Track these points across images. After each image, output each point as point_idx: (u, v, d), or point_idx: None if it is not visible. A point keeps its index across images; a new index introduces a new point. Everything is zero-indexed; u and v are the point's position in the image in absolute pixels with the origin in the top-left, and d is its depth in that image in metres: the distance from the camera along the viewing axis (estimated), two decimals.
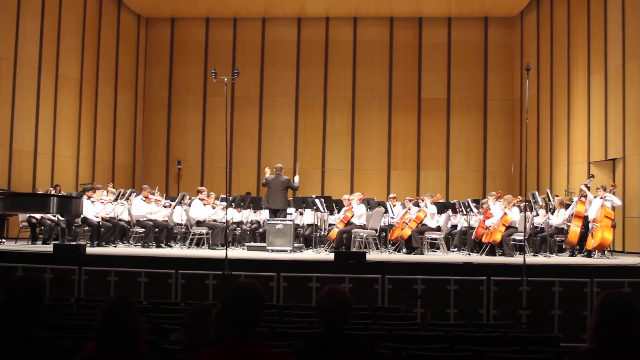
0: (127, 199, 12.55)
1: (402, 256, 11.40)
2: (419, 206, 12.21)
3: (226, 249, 9.06)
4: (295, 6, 17.67)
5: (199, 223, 12.03)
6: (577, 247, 11.23)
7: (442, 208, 12.41)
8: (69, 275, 8.71)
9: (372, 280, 8.52)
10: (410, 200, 12.90)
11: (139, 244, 12.05)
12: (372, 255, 10.91)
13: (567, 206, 11.64)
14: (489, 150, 17.86)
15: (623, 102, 13.17)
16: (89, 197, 11.89)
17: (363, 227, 11.69)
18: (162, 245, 11.84)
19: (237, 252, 11.05)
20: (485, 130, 17.88)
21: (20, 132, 14.27)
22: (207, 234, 11.94)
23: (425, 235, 11.76)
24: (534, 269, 8.58)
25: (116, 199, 12.26)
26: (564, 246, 11.62)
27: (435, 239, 11.95)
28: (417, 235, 11.52)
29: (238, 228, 13.05)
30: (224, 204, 11.80)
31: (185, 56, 18.47)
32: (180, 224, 12.67)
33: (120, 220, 12.14)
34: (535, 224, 11.82)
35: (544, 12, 16.58)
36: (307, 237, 12.76)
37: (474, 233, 11.66)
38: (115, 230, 11.94)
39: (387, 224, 12.56)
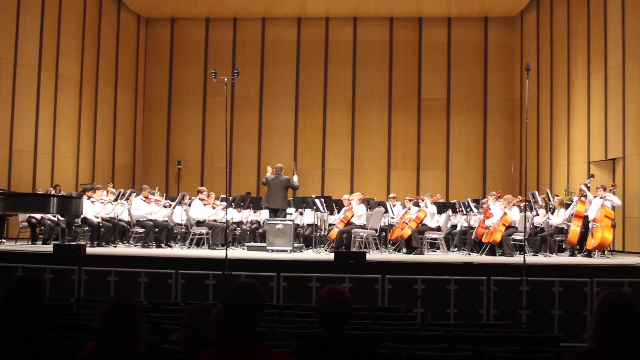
0: (127, 199, 12.55)
1: (402, 256, 11.40)
2: (419, 206, 12.21)
3: (226, 249, 9.06)
4: (295, 6, 17.67)
5: (199, 223, 12.03)
6: (577, 246, 11.23)
7: (442, 208, 12.41)
8: (69, 275, 8.72)
9: (372, 280, 8.52)
10: (410, 200, 12.90)
11: (139, 244, 12.05)
12: (372, 255, 10.91)
13: (567, 206, 11.64)
14: (489, 150, 17.87)
15: (623, 101, 13.17)
16: (89, 197, 11.89)
17: (363, 227, 11.68)
18: (162, 245, 11.84)
19: (237, 252, 11.05)
20: (485, 130, 17.88)
21: (20, 132, 14.27)
22: (207, 234, 11.94)
23: (425, 235, 11.76)
24: (534, 268, 8.58)
25: (116, 199, 12.26)
26: (564, 246, 11.62)
27: (435, 239, 11.95)
28: (417, 235, 11.52)
29: (238, 228, 13.05)
30: (224, 204, 11.80)
31: (185, 56, 18.47)
32: (180, 224, 12.67)
33: (120, 220, 12.14)
34: (535, 224, 11.82)
35: (543, 12, 16.58)
36: (307, 237, 12.76)
37: (474, 233, 11.66)
38: (115, 230, 11.94)
39: (387, 223, 12.56)
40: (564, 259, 10.75)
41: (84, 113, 16.33)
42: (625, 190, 13.01)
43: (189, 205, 12.50)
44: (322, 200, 11.90)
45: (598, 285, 8.28)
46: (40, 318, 2.99)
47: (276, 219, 11.79)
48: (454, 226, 13.28)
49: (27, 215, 11.97)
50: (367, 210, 11.90)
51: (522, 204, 11.12)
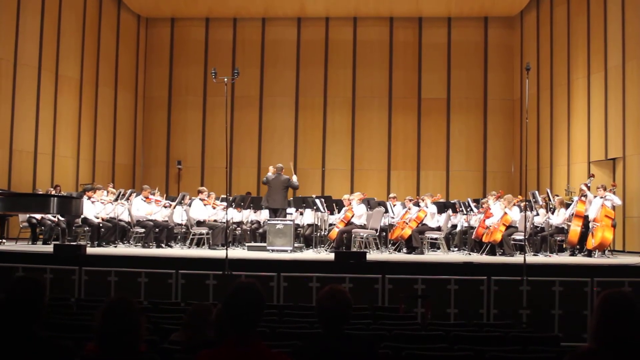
0: (128, 199, 12.56)
1: (402, 256, 11.40)
2: (419, 206, 12.21)
3: (226, 249, 9.07)
4: (295, 6, 17.67)
5: (199, 223, 12.03)
6: (578, 246, 11.23)
7: (442, 208, 12.41)
8: (69, 276, 8.72)
9: (372, 280, 8.52)
10: (410, 200, 12.90)
11: (139, 244, 12.05)
12: (373, 255, 10.91)
13: (567, 206, 11.64)
14: (489, 150, 17.86)
15: (623, 101, 13.17)
16: (89, 198, 11.89)
17: (363, 227, 11.68)
18: (163, 245, 11.84)
19: (237, 252, 11.05)
20: (486, 130, 17.88)
21: (20, 132, 14.27)
22: (207, 234, 11.94)
23: (426, 235, 11.75)
24: (535, 268, 8.58)
25: (116, 199, 12.26)
26: (564, 246, 11.62)
27: (436, 239, 11.94)
28: (417, 235, 11.52)
29: (238, 228, 13.05)
30: (224, 204, 11.80)
31: (185, 56, 18.47)
32: (181, 224, 12.67)
33: (121, 220, 12.14)
34: (535, 224, 11.83)
35: (543, 11, 16.58)
36: (307, 237, 12.76)
37: (474, 233, 11.66)
38: (115, 230, 11.94)
39: (387, 223, 12.56)
40: (564, 258, 10.75)
41: (84, 113, 16.34)
42: (626, 190, 13.01)
43: (189, 205, 12.50)
44: (323, 200, 11.90)
45: (598, 285, 8.28)
46: (40, 318, 2.99)
47: (276, 219, 11.79)
48: (454, 226, 13.28)
49: (28, 215, 11.97)
50: (367, 210, 11.90)
51: (522, 204, 11.12)
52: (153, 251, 11.06)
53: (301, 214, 13.20)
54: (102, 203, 12.03)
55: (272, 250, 11.11)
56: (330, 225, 12.31)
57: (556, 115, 15.84)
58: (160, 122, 18.51)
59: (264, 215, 13.57)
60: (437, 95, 17.89)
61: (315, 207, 11.70)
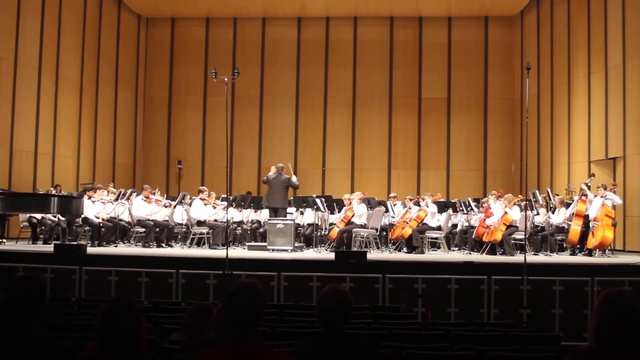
0: (128, 199, 12.56)
1: (402, 255, 11.40)
2: (419, 205, 12.21)
3: (227, 249, 9.07)
4: (295, 6, 17.67)
5: (200, 223, 12.03)
6: (578, 246, 11.23)
7: (442, 207, 12.40)
8: (70, 275, 8.72)
9: (372, 279, 8.52)
10: (410, 200, 12.90)
11: (140, 243, 12.05)
12: (373, 254, 10.91)
13: (567, 205, 11.64)
14: (490, 149, 17.86)
15: (623, 101, 13.17)
16: (89, 197, 11.89)
17: (364, 226, 11.68)
18: (163, 245, 11.84)
19: (237, 252, 11.05)
20: (486, 130, 17.88)
21: (20, 132, 14.27)
22: (207, 233, 11.94)
23: (426, 235, 11.76)
24: (535, 267, 8.59)
25: (117, 199, 12.26)
26: (564, 245, 11.62)
27: (436, 238, 11.95)
28: (417, 234, 11.52)
29: (239, 228, 13.05)
30: (225, 203, 11.81)
31: (185, 56, 18.47)
32: (181, 224, 12.67)
33: (121, 220, 12.15)
34: (535, 223, 11.83)
35: (544, 11, 16.58)
36: (307, 237, 12.76)
37: (474, 232, 11.65)
38: (115, 230, 11.94)
39: (387, 223, 12.57)
40: (564, 258, 10.75)
41: (84, 113, 16.34)
42: (626, 189, 13.01)
43: (190, 205, 12.50)
44: (323, 199, 11.91)
45: (599, 284, 8.28)
46: (40, 318, 2.99)
47: (277, 218, 11.80)
48: (455, 225, 13.28)
49: (28, 215, 11.98)
50: (367, 209, 11.90)
51: (522, 203, 11.12)
52: (153, 251, 11.06)
53: (302, 213, 13.21)
54: (103, 203, 12.04)
55: (273, 250, 11.11)
56: (331, 224, 12.32)
57: (556, 114, 15.84)
58: (160, 121, 18.51)
59: (264, 214, 13.57)
60: (437, 94, 17.89)
61: (315, 207, 11.70)
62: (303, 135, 18.12)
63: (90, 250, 9.98)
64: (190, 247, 11.89)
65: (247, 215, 13.83)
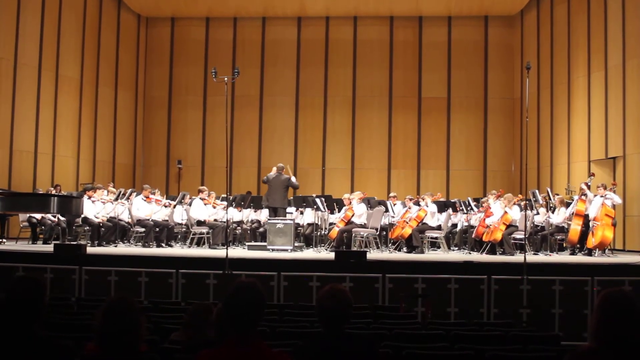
0: (128, 198, 12.56)
1: (402, 255, 11.40)
2: (419, 205, 12.21)
3: (227, 249, 9.07)
4: (295, 6, 17.66)
5: (200, 222, 12.03)
6: (578, 245, 11.22)
7: (442, 207, 12.40)
8: (70, 275, 8.72)
9: (372, 279, 8.52)
10: (410, 199, 12.90)
11: (140, 243, 12.05)
12: (373, 254, 10.91)
13: (567, 205, 11.64)
14: (489, 149, 17.86)
15: (623, 100, 13.17)
16: (89, 197, 11.89)
17: (363, 226, 11.68)
18: (163, 244, 11.84)
19: (237, 252, 11.05)
20: (486, 129, 17.88)
21: (20, 132, 14.27)
22: (207, 233, 11.94)
23: (426, 234, 11.76)
24: (535, 267, 8.58)
25: (116, 199, 12.26)
26: (564, 245, 11.62)
27: (436, 238, 11.95)
28: (417, 234, 11.52)
29: (238, 227, 13.05)
30: (225, 203, 11.81)
31: (185, 56, 18.47)
32: (181, 224, 12.67)
33: (121, 220, 12.15)
34: (535, 223, 11.83)
35: (544, 11, 16.58)
36: (307, 236, 12.76)
37: (474, 232, 11.65)
38: (115, 230, 11.94)
39: (387, 223, 12.57)
40: (564, 257, 10.75)
41: (84, 113, 16.34)
42: (626, 189, 13.01)
43: (190, 204, 12.50)
44: (323, 199, 11.91)
45: (598, 284, 8.28)
46: (40, 318, 2.99)
47: (277, 218, 11.80)
48: (455, 225, 13.28)
49: (28, 215, 11.98)
50: (367, 209, 11.90)
51: (522, 203, 11.12)
52: (153, 251, 11.06)
53: (301, 213, 13.21)
54: (103, 202, 12.04)
55: (273, 250, 11.11)
56: (331, 224, 12.32)
57: (556, 114, 15.84)
58: (160, 121, 18.51)
59: (264, 214, 13.57)
60: (437, 94, 17.89)
61: (315, 207, 11.70)
62: (303, 135, 18.12)
63: (90, 250, 9.98)
64: (190, 247, 11.89)
65: (247, 215, 13.83)
